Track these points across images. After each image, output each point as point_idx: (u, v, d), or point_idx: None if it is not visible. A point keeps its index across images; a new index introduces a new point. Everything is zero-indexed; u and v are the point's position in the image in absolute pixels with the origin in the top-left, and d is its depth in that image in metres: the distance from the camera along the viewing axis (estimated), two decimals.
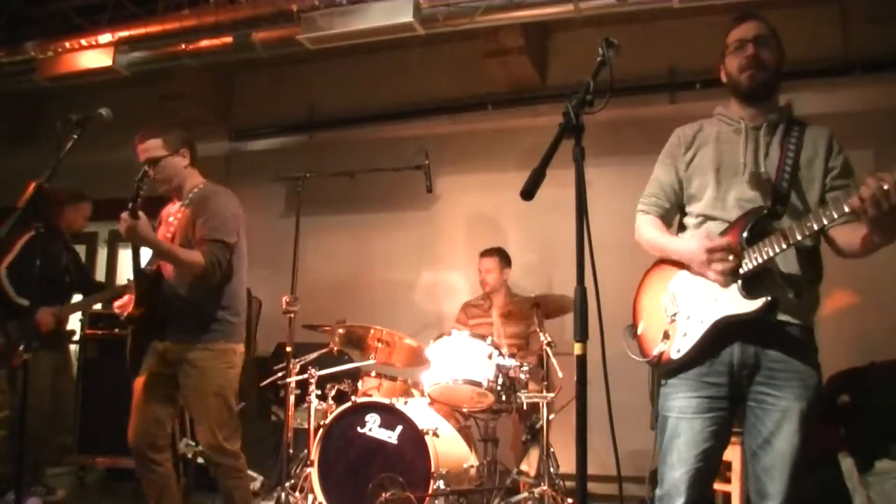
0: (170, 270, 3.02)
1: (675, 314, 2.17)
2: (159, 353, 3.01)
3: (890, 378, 3.84)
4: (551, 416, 3.59)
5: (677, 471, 2.08)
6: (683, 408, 2.11)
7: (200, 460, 4.14)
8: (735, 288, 2.02)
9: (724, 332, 2.05)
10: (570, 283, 1.80)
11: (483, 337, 3.69)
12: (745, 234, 2.03)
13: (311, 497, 3.53)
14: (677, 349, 2.12)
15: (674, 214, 2.34)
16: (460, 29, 4.49)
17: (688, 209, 2.28)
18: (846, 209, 1.83)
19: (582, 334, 1.73)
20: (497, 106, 5.41)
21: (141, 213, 2.79)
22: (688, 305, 2.14)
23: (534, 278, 4.81)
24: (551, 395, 3.55)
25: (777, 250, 1.95)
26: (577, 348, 1.73)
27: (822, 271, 2.14)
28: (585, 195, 1.79)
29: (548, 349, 3.64)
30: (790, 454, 2.02)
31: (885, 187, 1.74)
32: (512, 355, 3.75)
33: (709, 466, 2.09)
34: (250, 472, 4.00)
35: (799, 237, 1.91)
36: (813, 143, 2.13)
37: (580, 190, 1.79)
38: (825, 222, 1.88)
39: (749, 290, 2.00)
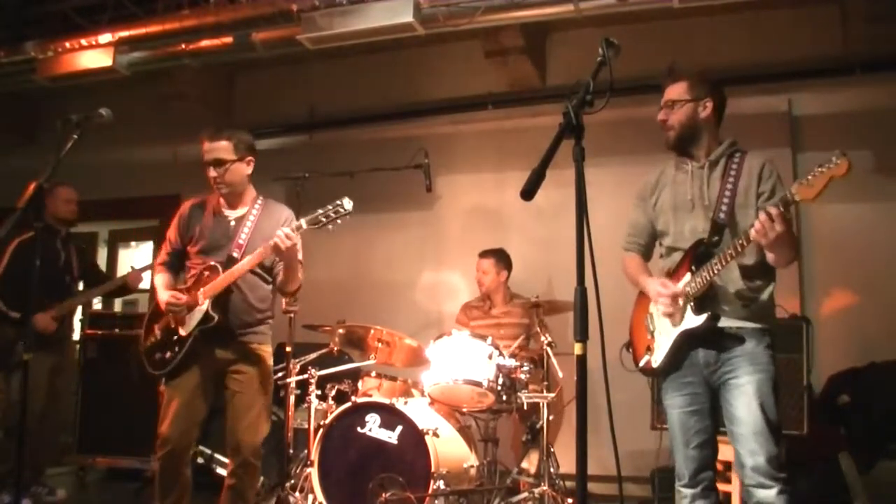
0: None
1: (653, 331, 2.59)
2: (215, 356, 3.03)
3: (890, 378, 3.84)
4: (551, 417, 3.59)
5: (679, 455, 2.50)
6: (674, 404, 2.53)
7: (200, 460, 4.15)
8: (689, 307, 2.43)
9: (686, 343, 2.46)
10: (570, 283, 1.80)
11: (483, 337, 3.68)
12: (692, 266, 2.44)
13: (311, 497, 3.53)
14: (656, 359, 2.55)
15: (652, 246, 2.74)
16: (460, 29, 4.49)
17: (660, 241, 2.68)
18: (749, 239, 2.23)
19: (582, 334, 1.74)
20: (497, 106, 5.39)
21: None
22: (661, 324, 2.55)
23: (534, 278, 4.80)
24: (551, 395, 3.55)
25: (713, 274, 2.35)
26: (577, 348, 1.74)
27: (772, 274, 2.47)
28: (585, 195, 1.80)
29: (548, 349, 3.65)
30: (752, 421, 2.31)
31: (773, 213, 2.13)
32: (512, 355, 3.75)
33: (703, 449, 2.46)
34: None
35: (725, 264, 2.32)
36: (749, 172, 2.47)
37: (580, 190, 1.80)
38: (738, 250, 2.28)
39: (698, 308, 2.41)
